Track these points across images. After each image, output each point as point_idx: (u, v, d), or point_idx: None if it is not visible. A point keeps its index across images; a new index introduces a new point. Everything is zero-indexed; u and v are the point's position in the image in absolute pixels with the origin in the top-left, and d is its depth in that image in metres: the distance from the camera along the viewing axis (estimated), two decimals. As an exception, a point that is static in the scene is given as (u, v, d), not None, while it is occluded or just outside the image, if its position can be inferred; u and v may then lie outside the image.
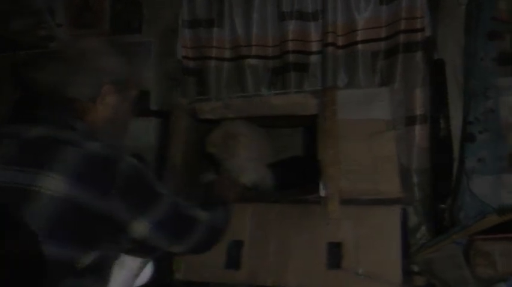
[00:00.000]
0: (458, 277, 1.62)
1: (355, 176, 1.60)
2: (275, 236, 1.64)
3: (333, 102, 1.66)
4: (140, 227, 0.93)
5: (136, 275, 1.21)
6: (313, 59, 2.14)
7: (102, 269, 0.91)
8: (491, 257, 1.64)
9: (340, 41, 2.04)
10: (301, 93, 1.70)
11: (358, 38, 2.01)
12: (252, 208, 1.69)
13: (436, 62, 2.02)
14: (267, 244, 1.63)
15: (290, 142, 2.19)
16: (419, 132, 1.97)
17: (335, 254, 1.55)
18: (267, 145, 1.95)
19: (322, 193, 1.60)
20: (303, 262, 1.58)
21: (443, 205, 1.92)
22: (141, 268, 1.22)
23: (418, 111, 1.99)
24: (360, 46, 2.04)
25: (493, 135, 1.84)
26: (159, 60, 2.44)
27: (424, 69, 2.01)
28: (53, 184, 0.81)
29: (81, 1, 2.46)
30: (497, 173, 1.80)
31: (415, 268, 1.73)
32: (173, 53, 2.36)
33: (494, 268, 1.63)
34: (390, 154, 1.59)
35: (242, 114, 1.75)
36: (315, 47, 2.10)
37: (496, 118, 1.85)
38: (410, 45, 1.98)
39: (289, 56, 2.13)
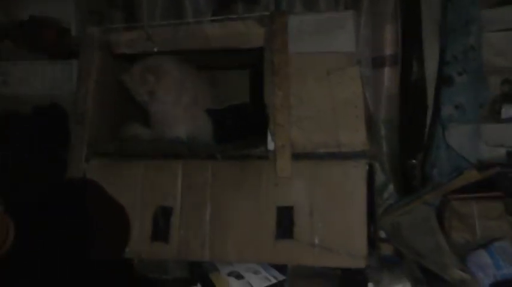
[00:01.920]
0: (430, 244, 1.35)
1: (310, 124, 1.28)
2: (211, 201, 1.31)
3: (283, 32, 1.31)
4: None
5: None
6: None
7: None
8: (469, 219, 1.38)
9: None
10: (243, 20, 1.33)
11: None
12: (182, 165, 1.34)
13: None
14: (202, 210, 1.31)
15: (238, 89, 1.83)
16: (389, 75, 1.65)
17: (285, 221, 1.24)
18: (205, 89, 1.59)
19: (270, 145, 1.27)
20: (246, 232, 1.27)
21: (413, 161, 1.64)
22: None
23: (388, 52, 1.66)
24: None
25: (472, 78, 1.55)
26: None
27: (395, 0, 1.66)
28: None
29: None
30: (477, 121, 1.53)
31: (381, 234, 1.45)
32: (95, -19, 1.90)
33: (473, 232, 1.38)
34: (354, 95, 1.27)
35: (169, 47, 1.38)
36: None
37: (477, 57, 1.55)
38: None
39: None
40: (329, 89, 1.28)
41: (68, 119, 1.65)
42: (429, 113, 1.64)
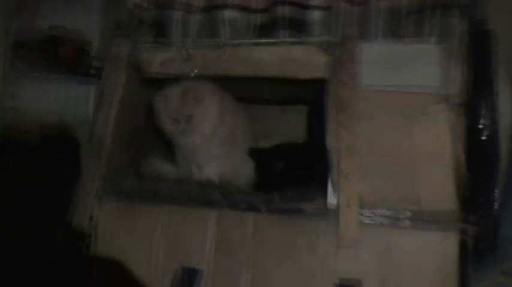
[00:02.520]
0: None
1: (382, 176, 1.02)
2: (251, 265, 1.03)
3: (352, 61, 1.07)
4: None
5: None
6: (314, 15, 1.54)
7: None
8: None
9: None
10: (303, 45, 1.10)
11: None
12: (215, 216, 1.07)
13: (480, 28, 1.45)
14: (238, 276, 1.03)
15: (282, 125, 1.59)
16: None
17: (347, 299, 0.96)
18: (246, 124, 1.34)
19: (331, 199, 1.00)
20: (294, 309, 0.98)
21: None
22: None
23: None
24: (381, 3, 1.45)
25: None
26: (104, 9, 1.76)
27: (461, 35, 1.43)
28: None
29: None
30: None
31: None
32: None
33: None
34: (439, 142, 1.01)
35: (209, 71, 1.14)
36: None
37: None
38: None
39: (281, 9, 1.52)
40: (407, 133, 1.03)
41: (79, 151, 1.41)
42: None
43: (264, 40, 1.14)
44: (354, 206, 0.99)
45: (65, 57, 1.56)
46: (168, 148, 1.29)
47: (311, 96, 1.31)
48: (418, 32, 1.41)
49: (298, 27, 1.56)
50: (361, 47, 1.08)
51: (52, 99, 1.70)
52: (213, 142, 1.22)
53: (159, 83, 1.20)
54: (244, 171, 1.31)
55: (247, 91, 1.35)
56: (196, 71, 1.14)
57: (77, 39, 1.56)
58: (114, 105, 1.14)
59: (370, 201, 1.00)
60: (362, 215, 0.99)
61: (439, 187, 0.99)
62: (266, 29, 1.59)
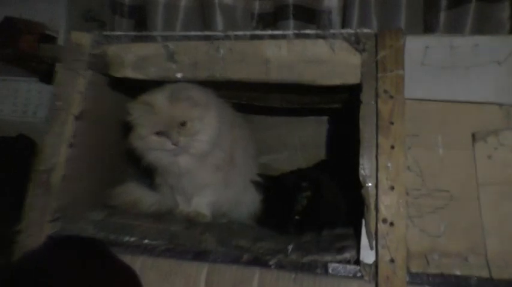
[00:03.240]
0: None
1: (438, 221, 0.74)
2: None
3: (398, 63, 0.79)
4: None
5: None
6: (328, 2, 1.29)
7: None
8: None
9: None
10: (327, 39, 0.81)
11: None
12: (207, 273, 0.78)
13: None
14: None
15: (297, 140, 1.32)
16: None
17: None
18: (249, 141, 1.06)
19: (366, 254, 0.72)
20: None
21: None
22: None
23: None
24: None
25: None
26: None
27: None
28: None
29: None
30: None
31: None
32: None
33: None
34: (516, 178, 0.74)
35: (201, 74, 0.84)
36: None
37: None
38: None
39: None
40: (472, 163, 0.75)
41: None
42: None
43: (273, 32, 0.85)
44: (400, 263, 0.71)
45: (24, 52, 1.26)
46: (146, 171, 1.00)
47: (335, 102, 1.03)
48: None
49: (308, 16, 1.29)
50: (408, 43, 0.79)
51: (9, 102, 1.43)
52: (206, 166, 0.94)
53: (137, 88, 0.91)
54: (245, 204, 1.02)
55: (251, 99, 1.06)
56: (180, 75, 0.84)
57: (38, 31, 1.27)
58: (70, 121, 0.84)
59: (421, 254, 0.72)
60: (411, 274, 0.71)
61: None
62: (268, 19, 1.32)
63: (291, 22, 1.26)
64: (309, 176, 0.94)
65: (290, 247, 0.80)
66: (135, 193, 1.02)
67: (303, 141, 1.31)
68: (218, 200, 0.99)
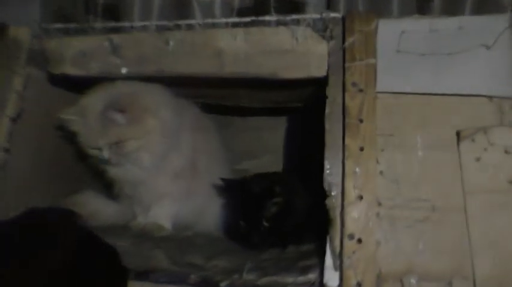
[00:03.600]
0: None
1: (417, 236, 0.62)
2: None
3: (370, 50, 0.68)
4: None
5: None
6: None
7: None
8: None
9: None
10: (290, 27, 0.71)
11: None
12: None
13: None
14: None
15: (271, 142, 1.21)
16: None
17: None
18: (215, 145, 0.96)
19: (331, 274, 0.61)
20: None
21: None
22: None
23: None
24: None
25: None
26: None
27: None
28: None
29: None
30: None
31: None
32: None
33: None
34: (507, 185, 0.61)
35: (148, 68, 0.75)
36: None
37: None
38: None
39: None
40: (457, 167, 0.63)
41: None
42: None
43: (228, 19, 0.75)
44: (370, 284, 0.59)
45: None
46: (103, 178, 0.90)
47: (303, 101, 0.92)
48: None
49: (291, 9, 1.18)
50: (382, 26, 0.68)
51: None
52: (163, 174, 0.84)
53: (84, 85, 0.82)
54: (211, 214, 0.92)
55: (218, 98, 0.96)
56: (125, 70, 0.75)
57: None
58: (5, 123, 0.75)
59: (396, 278, 0.60)
60: (383, 304, 0.59)
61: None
62: (248, 14, 1.22)
63: (273, 16, 1.16)
64: (282, 181, 0.83)
65: (247, 266, 0.69)
66: (90, 204, 0.93)
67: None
68: (180, 212, 0.89)
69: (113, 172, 0.84)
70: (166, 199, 0.87)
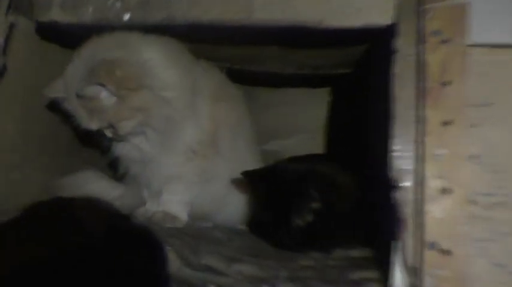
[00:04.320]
0: None
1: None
2: None
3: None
4: None
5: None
6: None
7: None
8: None
9: None
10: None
11: None
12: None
13: None
14: None
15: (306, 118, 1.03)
16: None
17: None
18: (245, 119, 0.78)
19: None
20: None
21: None
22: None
23: None
24: None
25: None
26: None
27: None
28: None
29: None
30: None
31: None
32: None
33: None
34: None
35: (155, 15, 0.57)
36: None
37: None
38: None
39: None
40: None
41: None
42: None
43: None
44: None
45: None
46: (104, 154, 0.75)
47: (352, 65, 0.73)
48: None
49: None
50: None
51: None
52: (175, 152, 0.68)
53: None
54: (234, 203, 0.76)
55: (244, 61, 0.78)
56: (128, 16, 0.58)
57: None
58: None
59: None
60: None
61: None
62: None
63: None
64: (320, 177, 0.63)
65: (281, 275, 0.53)
66: (90, 185, 0.77)
67: (321, 122, 1.01)
68: (197, 198, 0.73)
69: (117, 148, 0.68)
70: (180, 182, 0.71)
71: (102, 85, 0.57)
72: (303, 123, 1.03)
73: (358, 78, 0.74)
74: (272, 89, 1.03)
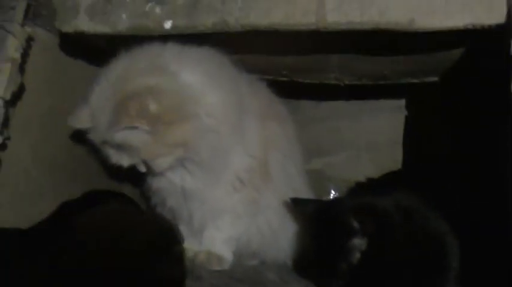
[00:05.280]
0: None
1: None
2: None
3: None
4: None
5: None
6: None
7: None
8: None
9: None
10: None
11: None
12: None
13: None
14: None
15: (337, 137, 0.92)
16: None
17: None
18: (294, 139, 0.68)
19: None
20: None
21: None
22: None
23: None
24: None
25: None
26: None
27: None
28: None
29: None
30: None
31: None
32: None
33: None
34: None
35: (205, 21, 0.47)
36: None
37: None
38: None
39: None
40: None
41: None
42: None
43: None
44: None
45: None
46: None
47: (440, 72, 0.62)
48: None
49: None
50: None
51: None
52: (221, 183, 0.57)
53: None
54: (286, 237, 0.65)
55: (293, 72, 0.67)
56: (170, 24, 0.48)
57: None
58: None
59: None
60: None
61: None
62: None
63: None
64: (369, 205, 0.50)
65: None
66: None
67: (371, 138, 0.90)
68: (244, 234, 0.62)
69: (153, 182, 0.58)
70: (226, 217, 0.61)
71: (135, 127, 0.48)
72: (347, 139, 0.92)
73: (448, 88, 0.63)
74: (312, 101, 0.92)
